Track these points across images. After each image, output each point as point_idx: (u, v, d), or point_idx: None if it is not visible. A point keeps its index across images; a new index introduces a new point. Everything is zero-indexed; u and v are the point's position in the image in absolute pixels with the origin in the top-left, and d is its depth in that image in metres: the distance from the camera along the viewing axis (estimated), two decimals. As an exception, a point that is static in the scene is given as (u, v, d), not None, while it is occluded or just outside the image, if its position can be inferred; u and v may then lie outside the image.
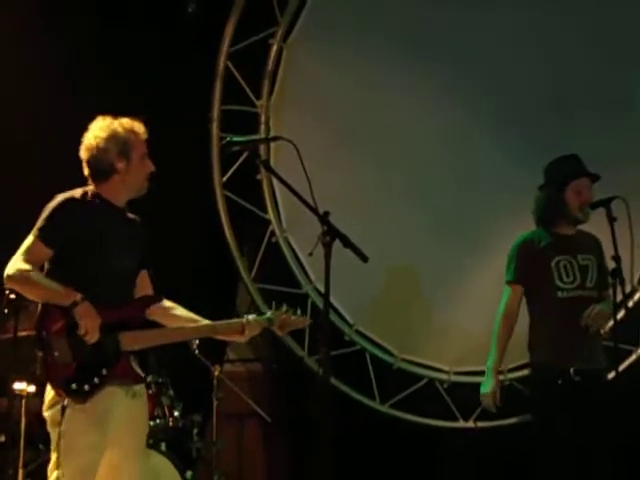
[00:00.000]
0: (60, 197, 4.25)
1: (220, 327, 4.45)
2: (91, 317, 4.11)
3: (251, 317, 4.47)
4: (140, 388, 4.35)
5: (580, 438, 5.14)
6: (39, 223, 4.19)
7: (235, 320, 4.47)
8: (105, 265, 4.25)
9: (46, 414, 4.17)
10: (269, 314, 4.50)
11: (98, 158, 4.32)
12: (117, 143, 4.31)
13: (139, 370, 4.29)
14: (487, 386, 5.42)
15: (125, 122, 4.37)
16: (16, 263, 4.14)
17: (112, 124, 4.35)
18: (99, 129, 4.34)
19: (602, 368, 5.39)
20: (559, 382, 5.19)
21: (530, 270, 5.36)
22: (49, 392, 4.16)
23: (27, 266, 4.10)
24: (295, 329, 4.66)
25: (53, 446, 4.11)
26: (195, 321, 4.46)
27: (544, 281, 5.33)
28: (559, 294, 5.33)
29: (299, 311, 4.58)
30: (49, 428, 4.16)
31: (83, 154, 4.34)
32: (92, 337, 4.11)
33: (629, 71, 6.91)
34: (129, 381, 4.27)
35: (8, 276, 4.12)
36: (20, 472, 5.07)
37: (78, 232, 4.19)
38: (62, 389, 4.05)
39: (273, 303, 4.54)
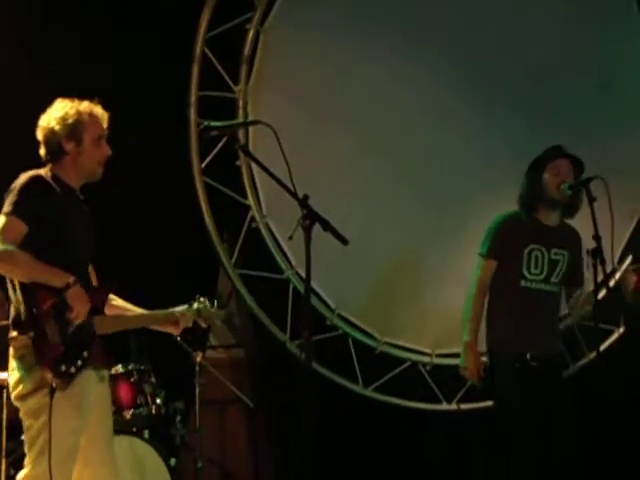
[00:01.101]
0: (27, 174, 4.23)
1: (155, 317, 4.53)
2: (83, 301, 4.12)
3: (180, 309, 4.52)
4: (106, 372, 4.38)
5: (540, 421, 5.17)
6: (11, 200, 4.14)
7: (168, 311, 4.54)
8: (72, 248, 4.25)
9: (21, 403, 4.14)
10: (196, 306, 4.58)
11: (48, 138, 4.32)
12: (67, 124, 4.28)
13: (107, 354, 4.30)
14: (465, 360, 5.41)
15: (82, 104, 4.34)
16: None
17: (66, 106, 4.33)
18: (54, 110, 4.33)
19: (558, 353, 5.44)
20: (517, 366, 5.22)
21: (505, 249, 5.37)
22: (20, 381, 4.11)
23: (9, 245, 4.06)
24: (213, 322, 4.78)
25: (32, 436, 4.08)
26: (132, 311, 4.52)
27: (513, 265, 5.36)
28: (522, 283, 5.37)
29: (215, 303, 4.69)
30: (27, 417, 4.12)
31: (37, 134, 4.34)
32: (82, 319, 4.13)
33: (611, 47, 6.90)
34: (100, 364, 4.28)
35: None
36: (3, 462, 5.05)
37: (48, 211, 4.17)
38: (51, 370, 4.03)
39: (197, 296, 4.60)
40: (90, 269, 4.45)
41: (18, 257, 4.06)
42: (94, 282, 4.44)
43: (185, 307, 4.58)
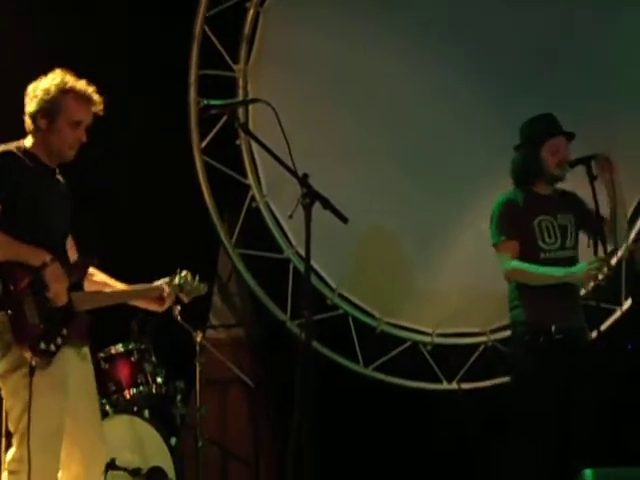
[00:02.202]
0: None
1: (136, 292, 4.49)
2: (61, 280, 4.08)
3: (161, 282, 4.50)
4: (86, 350, 4.32)
5: (563, 396, 5.16)
6: None
7: (149, 285, 4.51)
8: (46, 224, 4.18)
9: (2, 382, 4.09)
10: (177, 280, 4.55)
11: (27, 108, 4.24)
12: (45, 100, 4.19)
13: (87, 331, 4.26)
14: (580, 270, 5.23)
15: (75, 84, 4.23)
16: None
17: (55, 79, 4.22)
18: (44, 80, 4.24)
19: (583, 326, 5.41)
20: (540, 340, 5.20)
21: (516, 228, 5.32)
22: (0, 359, 4.06)
23: None
24: (197, 296, 4.71)
25: (15, 416, 4.05)
26: (112, 286, 4.46)
27: (527, 241, 5.31)
28: (542, 255, 5.32)
29: (197, 277, 4.64)
30: (8, 396, 4.08)
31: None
32: (61, 300, 4.09)
33: (611, 25, 6.87)
34: (79, 342, 4.23)
35: None
36: (2, 441, 5.05)
37: (19, 187, 4.09)
38: (30, 349, 3.97)
39: (178, 270, 4.57)
40: (70, 243, 4.38)
41: None
42: (73, 256, 4.36)
43: (165, 280, 4.53)
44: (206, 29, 6.50)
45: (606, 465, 4.73)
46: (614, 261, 5.47)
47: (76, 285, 4.23)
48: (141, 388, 5.79)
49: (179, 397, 6.00)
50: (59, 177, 4.37)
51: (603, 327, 6.71)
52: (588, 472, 4.64)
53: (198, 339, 5.99)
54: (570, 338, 5.22)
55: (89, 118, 4.28)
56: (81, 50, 5.99)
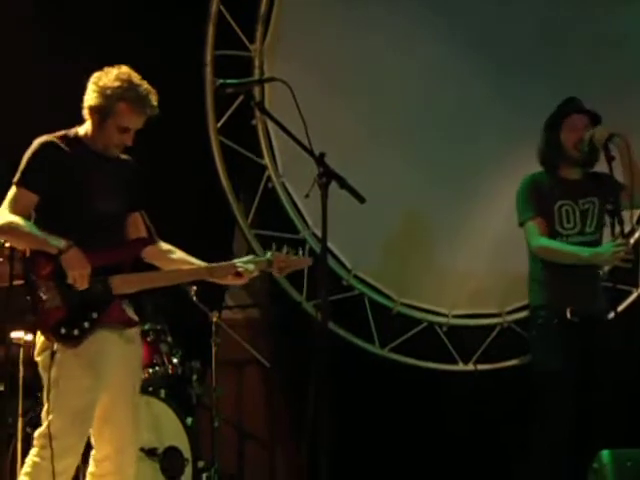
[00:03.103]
0: (37, 141, 4.23)
1: (217, 269, 4.41)
2: (79, 265, 4.09)
3: (247, 258, 4.45)
4: (133, 332, 4.35)
5: (579, 378, 5.15)
6: (20, 169, 4.18)
7: (231, 262, 4.44)
8: (89, 208, 4.23)
9: (37, 359, 4.19)
10: (269, 255, 4.47)
11: (86, 98, 4.29)
12: (102, 99, 4.24)
13: (132, 314, 4.29)
14: (605, 252, 5.24)
15: (134, 90, 4.26)
16: (2, 215, 4.13)
17: (117, 81, 4.25)
18: (109, 74, 4.28)
19: (602, 309, 5.39)
20: (554, 322, 5.20)
21: (540, 206, 5.31)
22: (39, 337, 4.17)
23: (13, 217, 4.11)
24: (296, 270, 4.63)
25: (46, 391, 4.13)
26: (192, 264, 4.43)
27: (546, 224, 5.31)
28: (557, 239, 5.32)
29: (300, 252, 4.55)
30: (42, 371, 4.17)
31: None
32: (82, 285, 4.10)
33: (624, 7, 6.82)
34: (121, 325, 4.26)
35: None
36: (19, 420, 5.07)
37: (58, 175, 4.17)
38: (51, 333, 4.06)
39: (273, 245, 4.51)
40: (136, 221, 4.44)
41: (19, 228, 4.10)
42: (142, 233, 4.43)
43: (250, 258, 4.50)
44: (222, 9, 6.47)
45: (624, 446, 4.73)
46: (632, 242, 5.42)
47: (119, 268, 4.24)
48: (157, 368, 5.81)
49: (195, 377, 6.02)
50: (122, 157, 4.43)
51: (620, 308, 6.73)
52: (605, 453, 4.64)
53: (214, 319, 6.00)
54: (587, 322, 5.21)
55: (139, 125, 4.34)
56: (95, 31, 6.00)
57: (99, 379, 4.16)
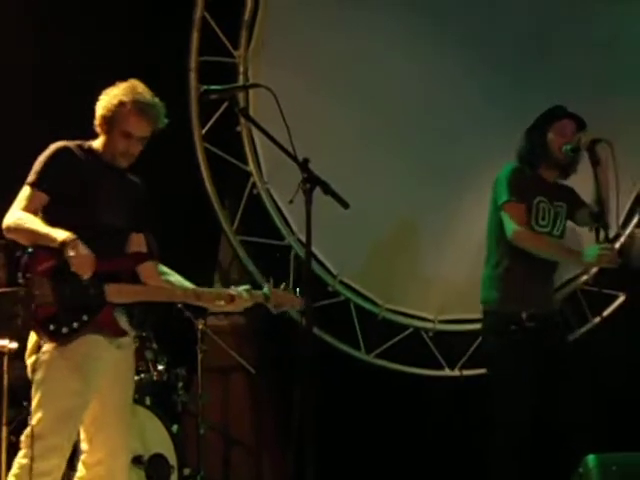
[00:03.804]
0: (54, 145, 4.33)
1: (205, 295, 4.52)
2: (83, 254, 4.12)
3: (243, 289, 4.50)
4: (126, 340, 4.39)
5: (539, 384, 5.15)
6: (34, 170, 4.26)
7: (225, 290, 4.57)
8: (94, 218, 4.31)
9: (28, 361, 4.22)
10: (265, 289, 4.57)
11: (97, 109, 4.41)
12: (108, 108, 4.38)
13: (123, 324, 4.32)
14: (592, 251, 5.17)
15: (138, 98, 4.38)
16: (13, 213, 4.21)
17: (123, 89, 4.40)
18: (117, 88, 4.42)
19: (554, 312, 5.42)
20: (512, 328, 5.19)
21: (522, 195, 5.29)
22: (30, 339, 4.21)
23: (21, 214, 4.18)
24: (290, 309, 4.74)
25: (33, 390, 4.16)
26: (178, 287, 4.54)
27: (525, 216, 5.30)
28: None
29: (298, 290, 4.64)
30: (30, 373, 4.20)
31: None
32: (85, 273, 4.13)
33: (615, 7, 6.84)
34: (112, 333, 4.28)
35: (6, 227, 4.20)
36: (4, 429, 5.04)
37: (71, 181, 4.26)
38: (39, 328, 4.10)
39: (271, 279, 4.56)
40: (138, 241, 4.51)
41: (24, 223, 4.16)
42: (143, 251, 4.51)
43: (246, 287, 4.59)
44: (206, 15, 6.47)
45: (606, 451, 4.73)
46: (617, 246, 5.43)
47: (115, 277, 4.29)
48: (142, 375, 5.79)
49: (180, 384, 6.01)
50: (131, 177, 4.56)
51: (605, 313, 6.75)
52: (591, 457, 4.65)
53: (199, 326, 5.99)
54: (542, 325, 5.22)
55: (143, 133, 4.43)
56: (79, 37, 5.98)
57: (87, 383, 4.18)
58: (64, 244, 4.09)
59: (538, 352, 5.17)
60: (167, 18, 6.37)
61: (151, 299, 4.49)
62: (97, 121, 4.43)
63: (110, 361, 4.28)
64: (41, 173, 4.25)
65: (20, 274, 4.10)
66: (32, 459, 4.05)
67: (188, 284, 4.55)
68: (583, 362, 5.37)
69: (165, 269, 4.56)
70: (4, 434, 5.03)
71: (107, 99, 4.40)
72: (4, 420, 5.03)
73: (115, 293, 4.27)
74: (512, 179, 5.29)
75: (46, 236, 4.13)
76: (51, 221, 4.20)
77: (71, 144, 4.38)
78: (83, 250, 4.13)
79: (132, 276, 4.41)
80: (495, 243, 5.38)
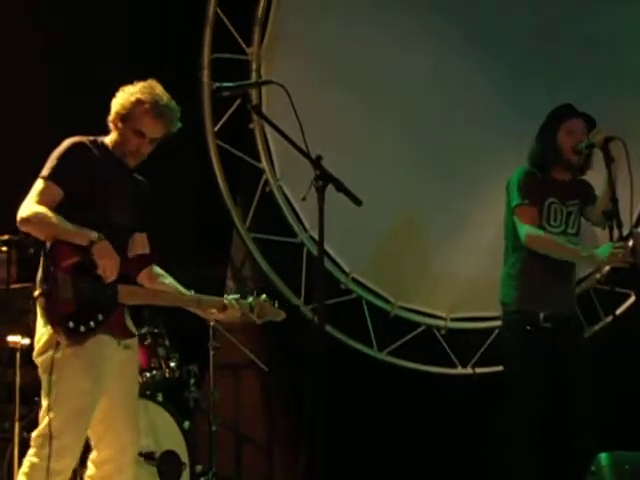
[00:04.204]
0: (69, 140, 4.31)
1: (204, 301, 4.52)
2: (111, 256, 4.15)
3: (232, 298, 4.53)
4: (132, 341, 4.39)
5: (554, 384, 5.14)
6: (49, 164, 4.24)
7: (218, 298, 4.54)
8: (106, 215, 4.29)
9: (38, 360, 4.19)
10: (250, 300, 4.59)
11: (112, 106, 4.40)
12: (124, 105, 4.36)
13: (131, 325, 4.33)
14: (603, 254, 5.16)
15: (154, 98, 4.37)
16: (29, 206, 4.16)
17: (141, 88, 4.38)
18: (135, 86, 4.41)
19: (574, 313, 5.40)
20: (530, 329, 5.18)
21: (534, 197, 5.28)
22: (40, 338, 4.18)
23: (40, 208, 4.14)
24: (272, 320, 4.75)
25: (45, 391, 4.13)
26: (179, 291, 4.53)
27: (538, 214, 5.29)
28: None
29: (276, 303, 4.69)
30: (41, 374, 4.17)
31: None
32: (111, 275, 4.16)
33: (616, 7, 6.81)
34: (121, 334, 4.30)
35: (22, 219, 4.15)
36: (16, 425, 5.06)
37: (85, 176, 4.24)
38: (60, 325, 4.07)
39: (255, 291, 4.61)
40: (141, 241, 4.51)
41: (46, 218, 4.12)
42: (146, 251, 4.51)
43: (235, 297, 4.58)
44: (219, 12, 6.47)
45: (619, 449, 4.72)
46: (630, 244, 5.40)
47: (126, 278, 4.28)
48: (154, 372, 5.79)
49: (192, 381, 6.01)
50: (137, 176, 4.53)
51: (618, 312, 6.72)
52: (604, 456, 4.63)
53: (211, 323, 5.99)
54: (560, 326, 5.20)
55: (156, 134, 4.42)
56: (90, 34, 5.99)
57: (98, 382, 4.18)
58: (93, 243, 4.10)
59: (554, 352, 5.15)
60: (180, 15, 6.37)
61: (158, 303, 4.57)
62: (111, 117, 4.41)
63: (118, 361, 4.28)
64: (57, 167, 4.22)
65: (50, 268, 4.07)
66: (49, 458, 4.02)
67: (180, 287, 4.54)
68: (596, 360, 5.35)
69: (159, 271, 4.54)
70: (17, 430, 5.04)
71: (124, 96, 4.38)
72: (17, 416, 5.04)
73: (127, 295, 4.28)
74: (523, 182, 5.30)
75: (73, 233, 4.12)
76: (65, 217, 4.17)
77: (85, 139, 4.35)
78: (112, 253, 4.15)
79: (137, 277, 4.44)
80: (511, 243, 5.38)
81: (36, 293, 4.14)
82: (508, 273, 5.38)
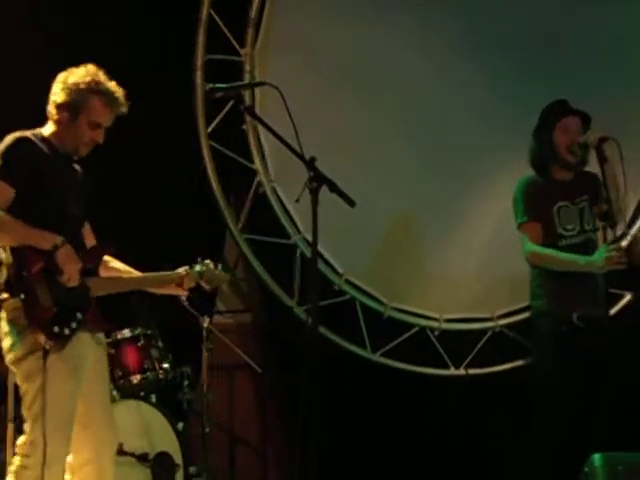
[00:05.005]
0: (12, 136, 4.16)
1: (154, 278, 4.51)
2: (74, 261, 4.08)
3: (183, 269, 4.53)
4: (102, 336, 4.37)
5: (585, 384, 5.15)
6: None
7: (175, 272, 4.52)
8: (60, 210, 4.20)
9: (16, 366, 4.11)
10: (198, 268, 4.57)
11: (54, 96, 4.27)
12: (73, 95, 4.22)
13: (100, 317, 4.30)
14: (600, 260, 5.18)
15: (106, 86, 4.26)
16: None
17: (87, 77, 4.24)
18: (77, 72, 4.27)
19: (605, 314, 5.38)
20: (562, 330, 5.18)
21: (539, 209, 5.29)
22: (13, 344, 4.08)
23: None
24: (219, 284, 4.79)
25: (29, 398, 4.05)
26: (131, 272, 4.49)
27: (547, 227, 5.30)
28: (561, 242, 5.32)
29: (220, 267, 4.68)
30: (23, 381, 4.10)
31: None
32: (74, 281, 4.10)
33: (623, 6, 6.82)
34: (95, 328, 4.27)
35: None
36: (10, 426, 5.05)
37: (35, 172, 4.11)
38: (44, 332, 3.99)
39: (198, 259, 4.60)
40: (87, 230, 4.43)
41: (4, 223, 4.01)
42: (91, 242, 4.42)
43: (186, 268, 4.55)
44: (212, 13, 6.46)
45: (611, 450, 4.72)
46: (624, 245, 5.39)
47: (90, 271, 4.24)
48: (148, 373, 5.79)
49: (186, 382, 6.01)
50: (75, 165, 4.42)
51: (612, 311, 6.73)
52: (597, 456, 4.63)
53: (205, 325, 5.99)
54: (592, 327, 5.20)
55: (110, 120, 4.33)
56: (84, 35, 5.98)
57: (79, 383, 4.13)
58: (57, 248, 4.02)
59: (588, 352, 5.15)
60: (173, 16, 6.37)
61: (124, 289, 4.52)
62: (56, 107, 4.25)
63: (92, 358, 4.23)
64: (5, 165, 4.06)
65: (23, 274, 3.98)
66: (43, 465, 3.95)
67: (130, 269, 4.50)
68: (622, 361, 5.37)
69: (107, 257, 4.47)
70: (10, 430, 5.04)
71: (70, 85, 4.23)
72: (10, 417, 5.03)
73: (96, 287, 4.24)
74: (525, 196, 5.32)
75: (38, 237, 4.03)
76: (18, 217, 4.03)
77: (29, 133, 4.19)
78: (75, 257, 4.08)
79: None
80: None
81: (4, 296, 4.05)
82: (537, 278, 5.38)
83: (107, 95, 4.26)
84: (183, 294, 4.66)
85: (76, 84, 4.23)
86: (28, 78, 5.72)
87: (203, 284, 4.61)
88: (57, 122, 4.26)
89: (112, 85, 4.29)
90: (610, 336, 5.32)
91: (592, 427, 5.18)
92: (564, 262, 5.25)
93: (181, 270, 4.54)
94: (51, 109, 4.27)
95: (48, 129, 4.29)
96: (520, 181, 5.42)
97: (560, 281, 5.25)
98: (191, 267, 4.57)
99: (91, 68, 4.29)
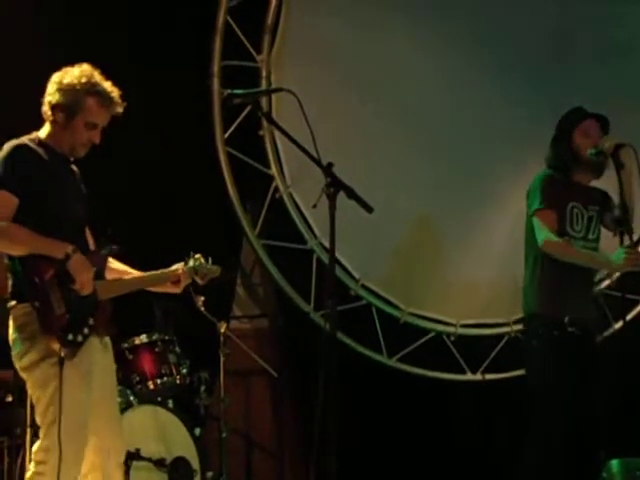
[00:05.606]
0: (10, 144, 4.13)
1: (153, 277, 4.49)
2: (86, 269, 4.08)
3: (176, 266, 4.52)
4: (108, 340, 4.33)
5: (578, 389, 5.13)
6: None
7: (166, 270, 4.51)
8: (65, 214, 4.18)
9: (28, 373, 4.09)
10: (192, 263, 4.57)
11: (49, 97, 4.22)
12: (69, 96, 4.18)
13: (109, 321, 4.29)
14: (619, 259, 5.14)
15: (101, 86, 4.22)
16: None
17: (82, 77, 4.20)
18: (71, 73, 4.22)
19: (595, 318, 5.39)
20: (555, 334, 5.17)
21: (555, 201, 5.25)
22: (25, 351, 4.06)
23: (2, 222, 3.98)
24: (212, 277, 4.69)
25: (43, 406, 4.04)
26: (130, 273, 4.47)
27: (558, 220, 5.25)
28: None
29: (210, 260, 4.66)
30: (35, 389, 4.08)
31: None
32: (88, 290, 4.09)
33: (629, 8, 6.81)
34: (104, 332, 4.25)
35: None
36: (28, 431, 5.06)
37: (35, 179, 4.08)
38: (58, 340, 3.98)
39: (191, 253, 4.59)
40: (87, 233, 4.40)
41: (14, 233, 3.99)
42: (92, 246, 4.38)
43: (181, 264, 4.55)
44: (229, 19, 6.48)
45: (631, 455, 4.71)
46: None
47: (97, 274, 4.22)
48: (165, 379, 5.79)
49: (203, 388, 6.01)
50: (73, 167, 4.38)
51: (628, 317, 6.71)
52: (615, 462, 4.62)
53: (222, 330, 5.99)
54: (584, 330, 5.19)
55: (107, 120, 4.28)
56: (104, 42, 5.99)
57: (90, 390, 4.11)
58: (69, 257, 4.01)
59: (579, 357, 5.15)
60: (190, 23, 6.39)
61: (127, 291, 4.43)
62: (51, 109, 4.19)
63: (101, 363, 4.22)
64: (6, 174, 4.02)
65: (36, 282, 3.97)
66: (59, 472, 3.93)
67: (129, 269, 4.48)
68: (605, 364, 5.35)
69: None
70: (28, 436, 5.05)
71: (65, 86, 4.18)
72: (28, 422, 5.05)
73: (103, 291, 4.22)
74: (543, 186, 5.25)
75: (49, 246, 4.02)
76: (24, 225, 4.01)
77: (26, 140, 4.15)
78: (88, 266, 4.08)
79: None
80: (532, 250, 5.34)
81: (12, 303, 4.05)
82: (530, 280, 5.35)
83: (103, 95, 4.21)
84: (178, 291, 4.63)
85: (71, 85, 4.18)
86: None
87: (198, 279, 4.59)
88: (53, 123, 4.22)
89: (107, 85, 4.24)
90: (600, 341, 5.33)
91: (592, 429, 5.17)
92: (580, 254, 5.20)
93: (177, 267, 4.54)
94: (46, 110, 4.22)
95: (44, 131, 4.25)
96: (540, 172, 5.34)
97: (553, 286, 5.24)
98: (185, 263, 4.57)
99: (86, 68, 4.24)
